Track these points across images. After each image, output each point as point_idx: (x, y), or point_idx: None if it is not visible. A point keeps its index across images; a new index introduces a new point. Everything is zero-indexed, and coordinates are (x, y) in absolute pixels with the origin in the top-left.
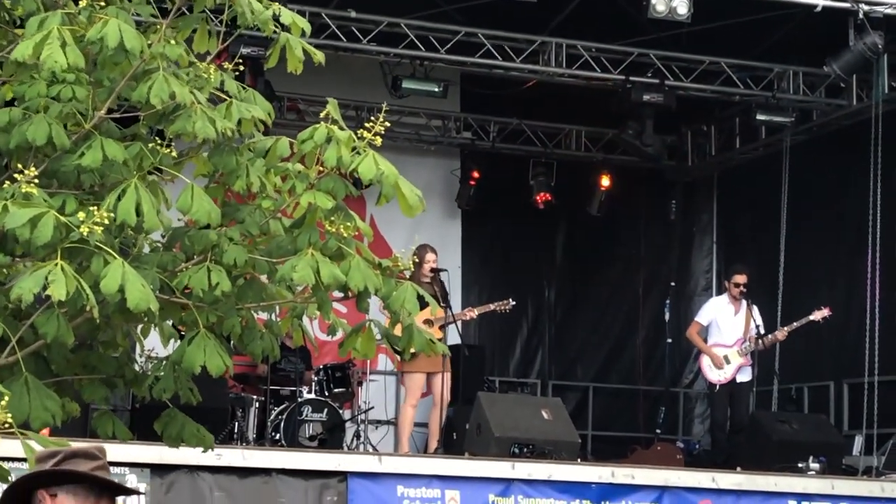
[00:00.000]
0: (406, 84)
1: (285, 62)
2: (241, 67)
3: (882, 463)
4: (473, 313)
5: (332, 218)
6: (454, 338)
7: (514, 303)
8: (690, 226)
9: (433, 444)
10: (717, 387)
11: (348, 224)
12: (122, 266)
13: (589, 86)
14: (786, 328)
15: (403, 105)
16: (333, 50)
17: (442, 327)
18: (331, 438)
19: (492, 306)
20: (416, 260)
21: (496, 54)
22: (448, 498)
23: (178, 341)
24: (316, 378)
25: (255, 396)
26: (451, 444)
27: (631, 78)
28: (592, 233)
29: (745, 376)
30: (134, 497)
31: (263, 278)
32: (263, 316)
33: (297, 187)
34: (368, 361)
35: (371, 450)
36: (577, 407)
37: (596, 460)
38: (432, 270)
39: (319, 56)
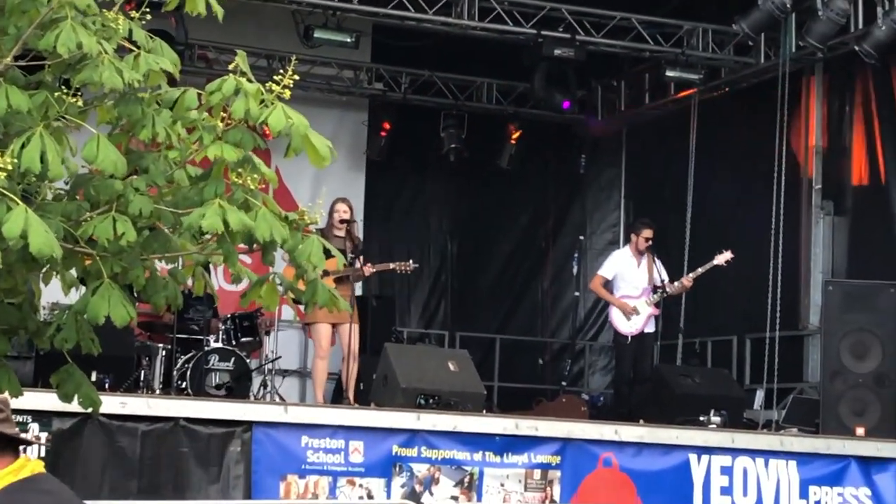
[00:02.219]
0: (318, 34)
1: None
2: (149, 16)
3: (782, 417)
4: (371, 270)
5: (239, 170)
6: (360, 289)
7: (415, 265)
8: (599, 180)
9: (350, 396)
10: (628, 339)
11: (255, 176)
12: (25, 212)
13: (501, 39)
14: (690, 274)
15: (315, 55)
16: None
17: (339, 280)
18: (238, 388)
19: (392, 265)
20: (324, 213)
21: (409, 6)
22: (352, 448)
23: (80, 289)
24: (223, 327)
25: (161, 345)
26: (358, 395)
27: (542, 32)
28: (501, 186)
29: (651, 327)
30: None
31: (168, 229)
32: (167, 267)
33: (204, 139)
34: (277, 311)
35: (278, 400)
36: (481, 359)
37: (501, 412)
38: (342, 221)
39: (218, 10)
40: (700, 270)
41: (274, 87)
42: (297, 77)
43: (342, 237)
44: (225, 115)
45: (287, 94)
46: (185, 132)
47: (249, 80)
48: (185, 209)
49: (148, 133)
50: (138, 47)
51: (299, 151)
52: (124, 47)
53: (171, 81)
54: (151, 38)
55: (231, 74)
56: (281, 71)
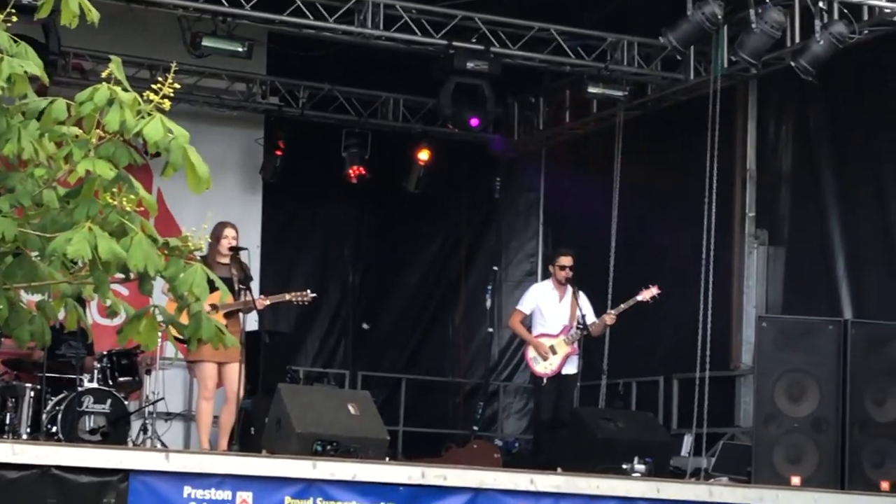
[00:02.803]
0: (206, 42)
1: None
2: (14, 18)
3: (711, 465)
4: (266, 302)
5: (113, 189)
6: (253, 323)
7: (313, 295)
8: (515, 205)
9: (223, 442)
10: (544, 380)
11: (131, 196)
12: None
13: (408, 50)
14: (612, 311)
15: (204, 66)
16: (126, 1)
17: (228, 314)
18: (114, 432)
19: (288, 296)
20: (210, 239)
21: (307, 12)
22: (239, 499)
23: None
24: (99, 365)
25: (29, 384)
26: (249, 441)
27: (454, 43)
28: (408, 211)
29: (571, 368)
30: None
31: (35, 255)
32: (34, 298)
33: (74, 154)
34: (159, 348)
35: (159, 445)
36: (385, 401)
37: (406, 459)
38: (231, 249)
39: (94, 15)
40: (623, 307)
41: (152, 96)
42: (177, 86)
43: (227, 265)
44: (99, 130)
45: (167, 104)
46: (55, 147)
47: (125, 90)
48: (53, 233)
49: (13, 147)
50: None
51: (178, 168)
52: None
53: (42, 92)
54: (16, 41)
55: (104, 83)
56: (159, 79)
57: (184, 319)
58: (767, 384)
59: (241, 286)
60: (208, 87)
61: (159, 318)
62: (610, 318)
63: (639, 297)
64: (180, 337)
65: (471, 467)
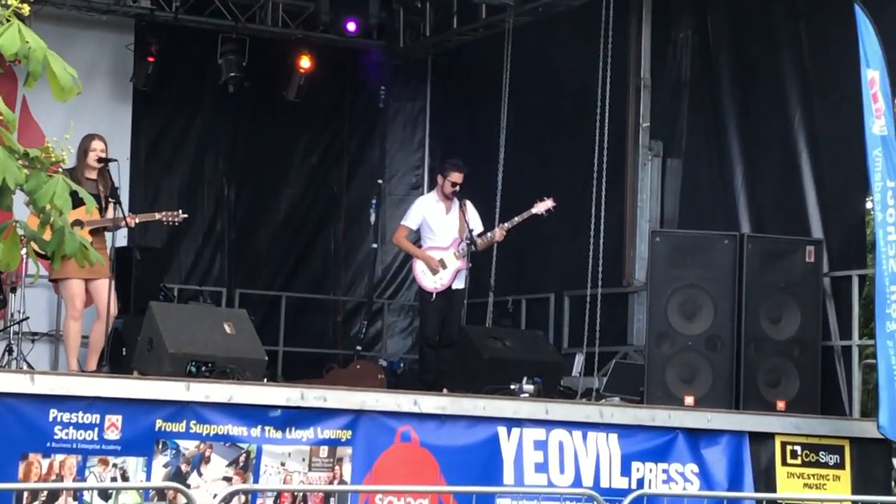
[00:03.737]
0: None
1: None
2: None
3: (603, 385)
4: (135, 220)
5: None
6: (123, 239)
7: (185, 215)
8: (400, 115)
9: (92, 363)
10: (433, 296)
11: None
12: None
13: None
14: (505, 224)
15: None
16: None
17: (94, 231)
18: None
19: (158, 215)
20: (72, 150)
21: None
22: (108, 423)
23: None
24: None
25: None
26: (120, 362)
27: None
28: (288, 121)
29: (460, 283)
30: None
31: None
32: None
33: None
34: (25, 264)
35: (25, 367)
36: (264, 319)
37: (286, 381)
38: (99, 160)
39: None
40: (517, 220)
41: (11, 1)
42: None
43: (95, 180)
44: None
45: (25, 9)
46: None
47: None
48: None
49: None
50: None
51: (38, 77)
52: None
53: None
54: None
55: None
56: None
57: (47, 236)
58: (660, 301)
59: (109, 200)
60: None
61: (20, 233)
62: (501, 232)
63: (533, 210)
64: (43, 253)
65: (352, 389)
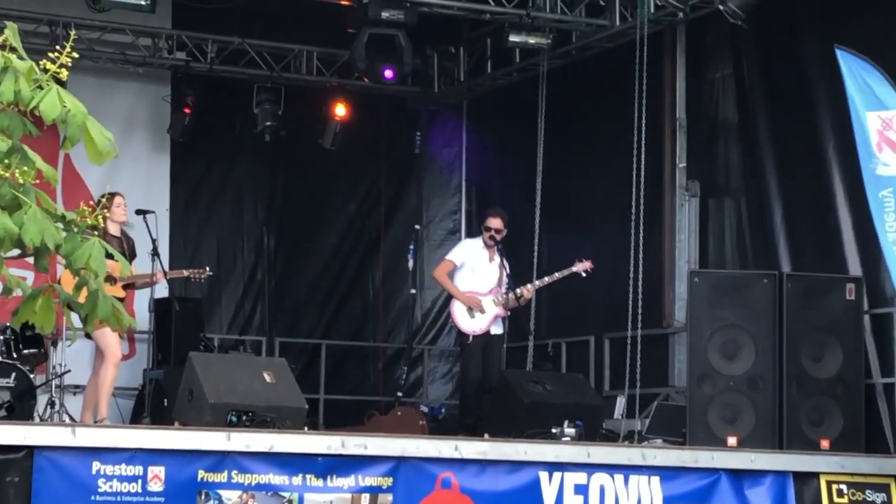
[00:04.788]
0: None
1: None
2: None
3: (645, 427)
4: (163, 276)
5: (7, 161)
6: (163, 290)
7: (210, 272)
8: (437, 160)
9: (88, 416)
10: (471, 338)
11: (25, 169)
12: None
13: (321, 0)
14: (546, 278)
15: (106, 20)
16: None
17: (129, 287)
18: (20, 407)
19: (186, 272)
20: (107, 213)
21: None
22: (151, 475)
23: None
24: (2, 337)
25: None
26: (161, 412)
27: None
28: (324, 169)
29: (498, 329)
30: None
31: None
32: None
33: None
34: (65, 319)
35: (67, 420)
36: (304, 367)
37: (327, 428)
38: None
39: None
40: (557, 275)
41: (49, 65)
42: (76, 55)
43: (118, 237)
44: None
45: (64, 73)
46: None
47: (21, 58)
48: None
49: None
50: None
51: (76, 142)
52: None
53: None
54: None
55: None
56: (58, 47)
57: (81, 298)
58: (701, 342)
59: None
60: (112, 41)
61: (55, 300)
62: (532, 288)
63: (573, 269)
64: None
65: (392, 435)
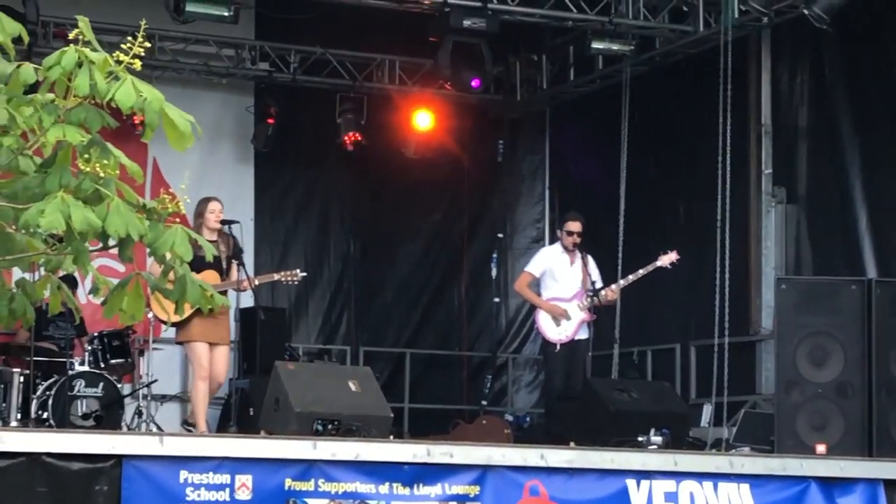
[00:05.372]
0: (190, 7)
1: None
2: None
3: (732, 435)
4: (254, 282)
5: (87, 155)
6: (249, 299)
7: (303, 274)
8: (519, 169)
9: (201, 425)
10: (557, 347)
11: (106, 162)
12: None
13: (402, 10)
14: (631, 276)
15: (190, 32)
16: None
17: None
18: (108, 417)
19: (276, 276)
20: (189, 200)
21: None
22: (238, 483)
23: None
24: (90, 347)
25: (17, 370)
26: (247, 421)
27: (449, 0)
28: (408, 178)
29: (584, 333)
30: None
31: (10, 228)
32: (15, 274)
33: (44, 120)
34: (151, 328)
35: (154, 429)
36: (390, 376)
37: (412, 437)
38: (222, 222)
39: None
40: (641, 272)
41: (122, 56)
42: (147, 44)
43: (215, 241)
44: (78, 98)
45: (137, 64)
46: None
47: (94, 50)
48: (25, 202)
49: None
50: None
51: (155, 127)
52: None
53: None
54: None
55: (72, 45)
56: (129, 39)
57: (169, 283)
58: (788, 349)
59: (231, 262)
60: (196, 52)
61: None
62: (624, 283)
63: (658, 263)
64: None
65: (478, 444)
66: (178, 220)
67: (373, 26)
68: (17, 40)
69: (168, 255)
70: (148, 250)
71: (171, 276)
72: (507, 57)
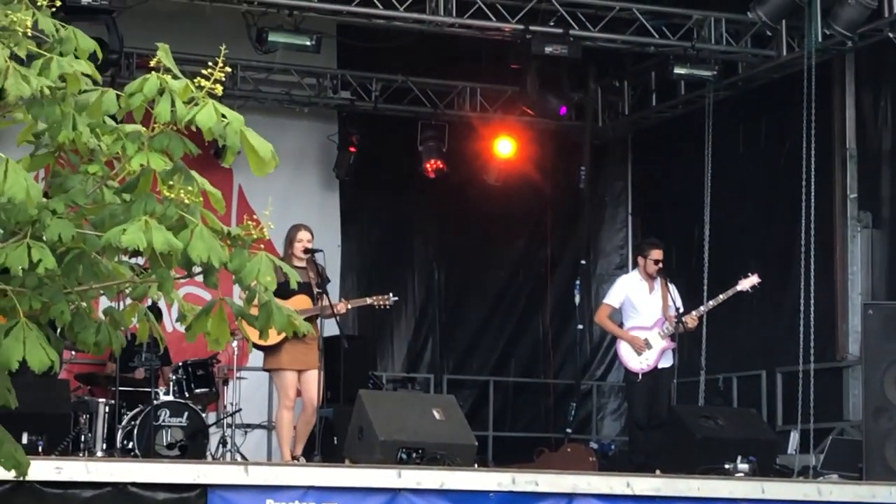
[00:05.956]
0: (273, 37)
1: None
2: (58, 2)
3: (820, 462)
4: (346, 306)
5: (170, 182)
6: (332, 328)
7: (395, 298)
8: (602, 195)
9: (298, 452)
10: (639, 377)
11: (189, 188)
12: None
13: (484, 37)
14: (711, 301)
15: (272, 61)
16: None
17: (310, 320)
18: (193, 446)
19: (369, 300)
20: (284, 243)
21: (376, 2)
22: None
23: None
24: (174, 377)
25: (102, 399)
26: (331, 450)
27: (531, 28)
28: (490, 205)
29: (667, 362)
30: None
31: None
32: (101, 303)
33: (127, 148)
34: (236, 357)
35: (238, 458)
36: (474, 404)
37: (496, 465)
38: (305, 251)
39: None
40: (721, 297)
41: (203, 82)
42: (228, 69)
43: (304, 268)
44: (157, 124)
45: (219, 89)
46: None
47: (175, 77)
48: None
49: (69, 133)
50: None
51: (236, 150)
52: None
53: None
54: (63, 26)
55: (153, 72)
56: (209, 65)
57: (254, 311)
58: (876, 375)
59: (319, 290)
60: (278, 81)
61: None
62: (707, 307)
63: (738, 287)
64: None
65: (564, 472)
66: (262, 246)
67: (454, 54)
68: (102, 66)
69: (253, 283)
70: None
71: (256, 302)
72: (589, 83)
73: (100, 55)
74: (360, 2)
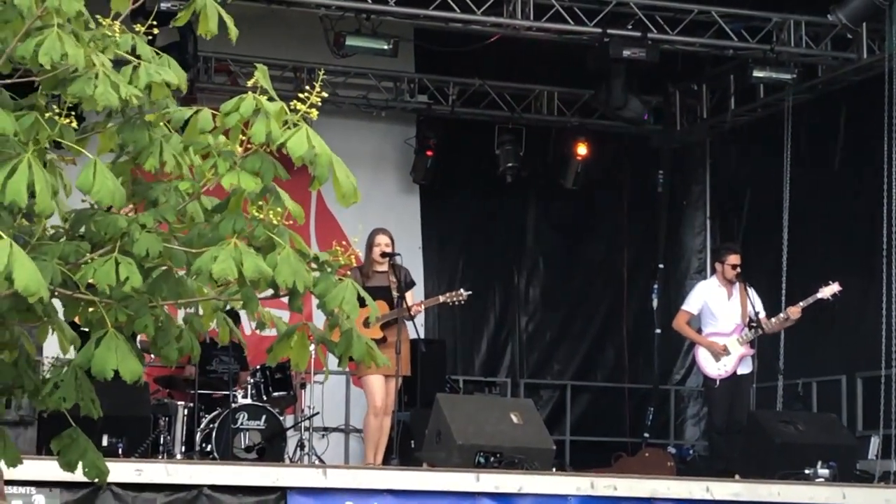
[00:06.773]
0: (350, 41)
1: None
2: (156, 30)
3: None
4: (419, 307)
5: (260, 203)
6: (412, 331)
7: (468, 293)
8: (680, 199)
9: (379, 458)
10: (717, 382)
11: (278, 210)
12: (10, 246)
13: (561, 40)
14: (781, 314)
15: (349, 65)
16: (267, 2)
17: (388, 324)
18: (270, 449)
19: (441, 298)
20: (360, 252)
21: (454, 6)
22: None
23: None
24: (252, 380)
25: (182, 402)
26: (409, 454)
27: (609, 31)
28: (568, 209)
29: (745, 368)
30: None
31: (182, 271)
32: (183, 310)
33: (219, 166)
34: (313, 360)
35: (316, 461)
36: (552, 409)
37: (574, 470)
38: (384, 255)
39: (233, 33)
40: (802, 304)
41: (299, 105)
42: (325, 94)
43: (385, 272)
44: (244, 139)
45: (314, 114)
46: (200, 159)
47: (271, 99)
48: (199, 248)
49: (155, 161)
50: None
51: (324, 181)
52: (127, 62)
53: (187, 101)
54: (158, 54)
55: (250, 92)
56: (307, 88)
57: (335, 336)
58: None
59: (398, 294)
60: (355, 84)
61: (310, 337)
62: (796, 310)
63: (819, 295)
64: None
65: (642, 476)
66: (349, 272)
67: (531, 57)
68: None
69: (336, 310)
70: (316, 302)
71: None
72: (667, 86)
73: (184, 89)
74: (437, 5)
